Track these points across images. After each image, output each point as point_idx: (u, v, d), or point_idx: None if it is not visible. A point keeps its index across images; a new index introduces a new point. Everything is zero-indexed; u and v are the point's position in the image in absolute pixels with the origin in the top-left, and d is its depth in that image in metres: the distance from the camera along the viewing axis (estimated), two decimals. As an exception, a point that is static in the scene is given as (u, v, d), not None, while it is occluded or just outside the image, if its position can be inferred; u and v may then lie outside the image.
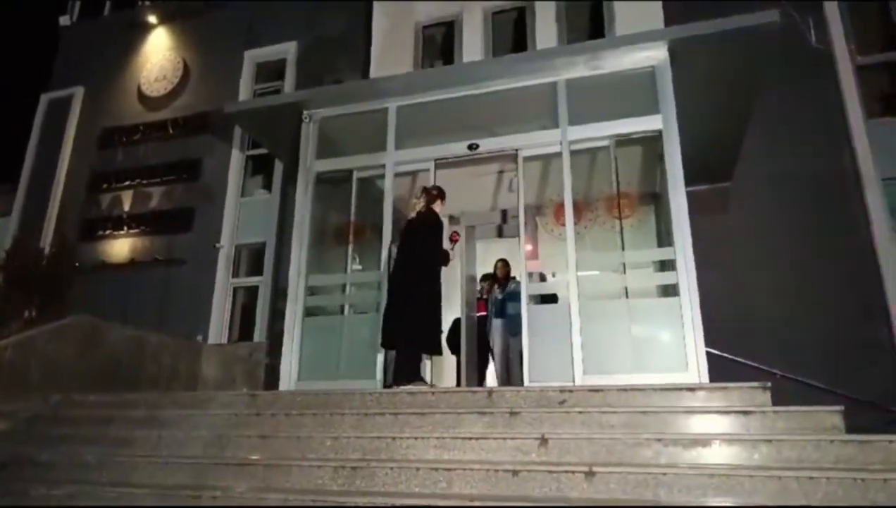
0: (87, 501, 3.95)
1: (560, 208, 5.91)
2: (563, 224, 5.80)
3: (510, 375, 6.89)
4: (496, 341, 7.18)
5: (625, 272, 5.86)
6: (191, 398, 6.14)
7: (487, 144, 6.26)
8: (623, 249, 5.91)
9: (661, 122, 5.68)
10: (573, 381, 5.17)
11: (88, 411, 5.75)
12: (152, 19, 11.97)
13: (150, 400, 5.81)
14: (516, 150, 6.14)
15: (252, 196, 10.36)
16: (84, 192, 11.07)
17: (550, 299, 5.98)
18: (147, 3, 12.36)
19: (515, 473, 3.49)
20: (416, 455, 3.94)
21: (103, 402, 5.89)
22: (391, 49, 9.28)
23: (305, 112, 6.91)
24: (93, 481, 4.29)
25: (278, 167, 9.91)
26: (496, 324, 7.22)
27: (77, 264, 9.61)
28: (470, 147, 6.29)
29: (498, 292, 7.31)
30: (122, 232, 10.56)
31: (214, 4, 11.64)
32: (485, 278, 7.94)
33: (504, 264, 7.38)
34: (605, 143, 6.01)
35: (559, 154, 5.95)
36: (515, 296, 6.32)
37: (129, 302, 9.49)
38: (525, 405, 4.45)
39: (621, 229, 6.02)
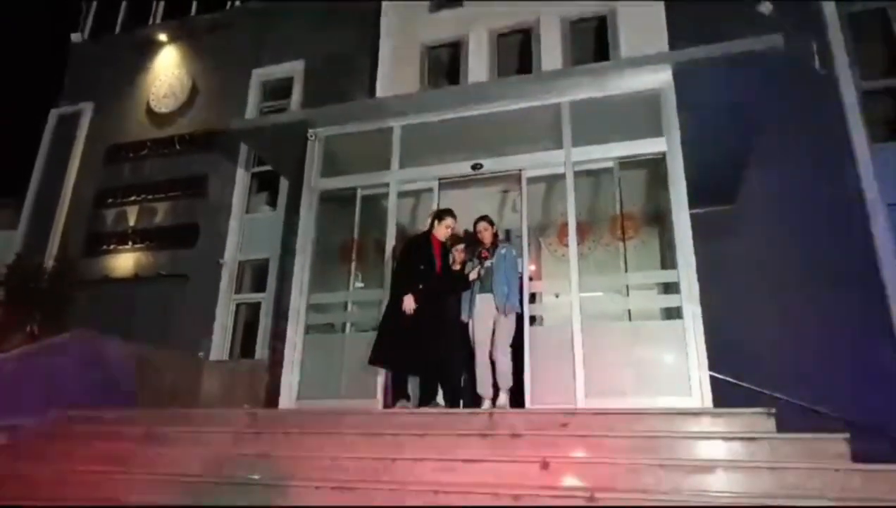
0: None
1: (564, 228, 5.91)
2: (567, 245, 5.79)
3: (495, 373, 5.31)
4: (478, 324, 5.46)
5: (628, 294, 5.83)
6: (191, 416, 6.10)
7: (491, 165, 6.28)
8: (626, 270, 5.89)
9: (665, 144, 5.69)
10: (575, 403, 5.12)
11: (87, 426, 5.72)
12: (162, 37, 12.12)
13: (150, 417, 5.77)
14: (520, 170, 6.16)
15: (256, 213, 10.39)
16: (90, 206, 11.13)
17: (531, 321, 5.90)
18: (157, 21, 12.53)
19: (516, 497, 3.45)
20: (416, 476, 3.90)
21: (102, 418, 5.86)
22: (397, 69, 9.38)
23: (311, 130, 6.95)
24: (91, 498, 4.25)
25: (283, 184, 9.96)
26: (481, 300, 5.50)
27: (80, 279, 9.63)
28: (474, 167, 6.31)
29: (482, 261, 5.57)
30: (126, 247, 10.59)
31: (223, 24, 11.80)
32: (459, 241, 6.01)
33: (489, 223, 5.74)
34: (609, 164, 6.03)
35: (563, 175, 5.96)
36: (508, 264, 5.48)
37: (132, 317, 9.50)
38: (527, 428, 4.41)
39: (625, 250, 6.01)
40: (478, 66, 9.04)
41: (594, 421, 4.45)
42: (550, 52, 8.71)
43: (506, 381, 5.28)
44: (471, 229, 5.98)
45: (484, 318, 5.46)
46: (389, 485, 3.74)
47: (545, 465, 3.75)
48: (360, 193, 6.79)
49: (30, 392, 6.19)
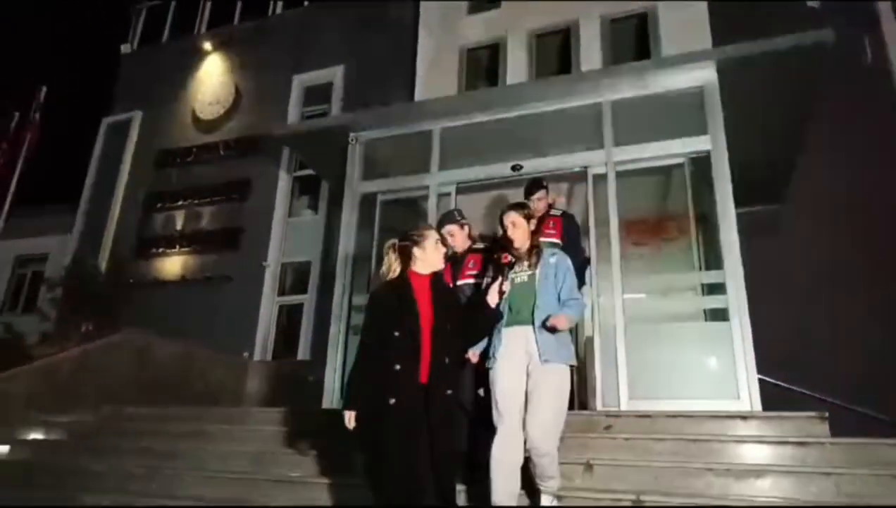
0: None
1: (630, 227, 5.80)
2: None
3: (530, 464, 3.27)
4: (503, 376, 3.36)
5: (672, 296, 5.72)
6: (235, 414, 6.25)
7: (531, 166, 6.24)
8: (671, 271, 5.78)
9: (709, 142, 5.56)
10: (618, 406, 5.05)
11: (138, 423, 5.91)
12: (207, 46, 12.46)
13: (197, 415, 5.93)
14: (585, 168, 6.01)
15: (299, 216, 10.59)
16: (140, 211, 11.51)
17: None
18: (202, 30, 12.89)
19: (559, 498, 3.43)
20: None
21: (152, 415, 6.05)
22: (436, 71, 9.43)
23: (352, 134, 7.03)
24: (141, 492, 4.41)
25: (324, 188, 10.11)
26: (510, 338, 3.44)
27: (131, 281, 9.97)
28: (514, 168, 6.29)
29: (503, 269, 3.50)
30: (174, 250, 10.91)
31: (265, 31, 12.07)
32: (481, 251, 4.18)
33: (522, 214, 3.65)
34: (653, 163, 5.93)
35: (622, 173, 5.86)
36: (562, 278, 3.49)
37: (179, 318, 9.77)
38: (569, 430, 4.36)
39: (669, 251, 5.91)
40: (517, 67, 9.02)
41: (639, 423, 4.38)
42: (590, 52, 8.64)
43: (549, 474, 3.28)
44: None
45: (513, 367, 3.35)
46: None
47: (589, 467, 3.72)
48: (380, 198, 6.86)
49: (86, 389, 6.43)
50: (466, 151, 6.69)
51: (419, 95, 9.27)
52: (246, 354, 9.41)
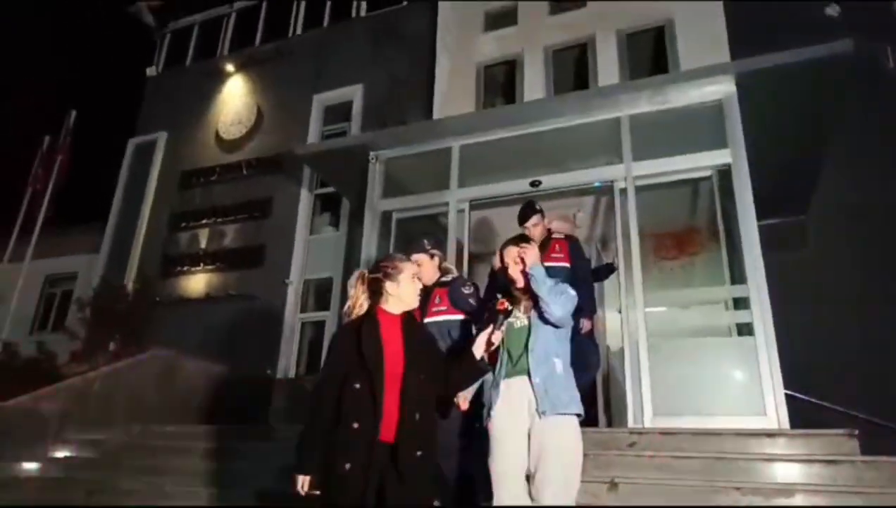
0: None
1: (660, 240, 5.81)
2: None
3: None
4: (502, 435, 2.97)
5: (698, 310, 5.69)
6: (260, 432, 6.32)
7: (550, 181, 6.27)
8: (698, 285, 5.75)
9: (729, 155, 5.55)
10: (642, 423, 5.01)
11: (166, 441, 6.01)
12: (229, 67, 12.71)
13: (223, 433, 6.01)
14: (612, 182, 5.99)
15: (320, 233, 10.69)
16: (165, 230, 11.72)
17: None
18: (225, 52, 13.17)
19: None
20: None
21: (180, 433, 6.15)
22: (454, 89, 9.51)
23: (372, 153, 7.13)
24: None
25: (345, 205, 10.22)
26: (508, 389, 3.02)
27: (157, 299, 10.14)
28: (532, 184, 6.32)
29: (499, 315, 2.98)
30: (198, 268, 11.07)
31: (285, 51, 12.28)
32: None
33: (522, 242, 3.23)
34: (673, 177, 5.93)
35: (651, 186, 5.88)
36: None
37: (204, 335, 9.90)
38: (592, 447, 4.35)
39: (697, 264, 5.88)
40: (533, 83, 9.06)
41: (664, 441, 4.35)
42: (607, 67, 8.65)
43: None
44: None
45: (513, 426, 2.96)
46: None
47: (614, 485, 3.70)
48: (395, 216, 6.95)
49: (115, 408, 6.56)
50: (485, 168, 6.75)
51: (437, 112, 9.35)
52: (269, 371, 9.50)
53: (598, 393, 5.85)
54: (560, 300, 2.94)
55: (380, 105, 10.56)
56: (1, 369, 6.49)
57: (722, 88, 5.76)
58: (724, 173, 5.67)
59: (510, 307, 3.00)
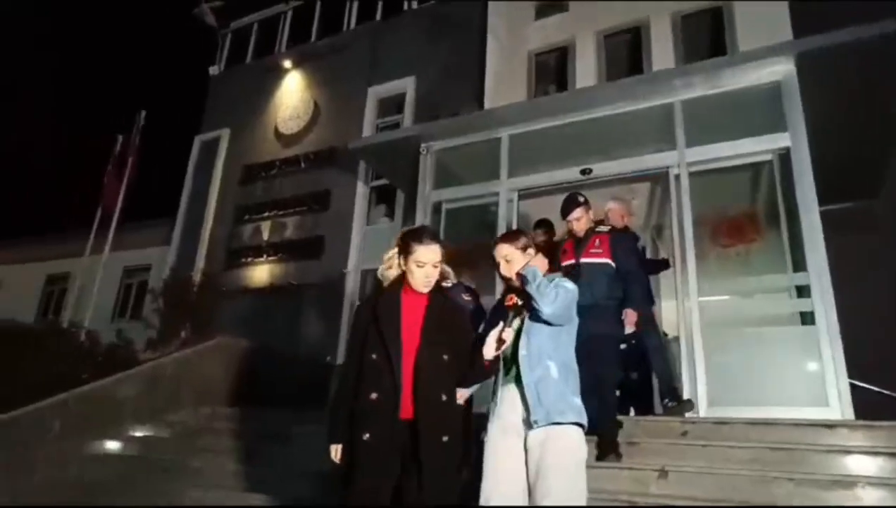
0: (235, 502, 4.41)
1: (719, 227, 5.73)
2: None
3: None
4: (497, 450, 2.68)
5: (758, 298, 5.56)
6: (319, 416, 6.57)
7: (601, 169, 6.22)
8: (758, 273, 5.61)
9: (789, 139, 5.37)
10: (696, 412, 4.96)
11: (231, 424, 6.35)
12: (287, 64, 13.08)
13: (284, 417, 6.29)
14: (667, 168, 5.91)
15: (376, 224, 10.92)
16: (230, 223, 12.24)
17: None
18: (282, 49, 13.55)
19: (633, 504, 3.45)
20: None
21: (243, 416, 6.48)
22: (505, 78, 9.50)
23: (423, 144, 7.25)
24: (236, 488, 4.76)
25: (400, 195, 10.40)
26: (506, 398, 2.77)
27: (223, 289, 10.63)
28: (583, 172, 6.29)
29: (510, 313, 2.81)
30: (261, 259, 11.52)
31: (340, 46, 12.54)
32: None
33: (522, 247, 2.93)
34: (729, 163, 5.78)
35: (709, 171, 5.78)
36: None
37: (267, 323, 10.32)
38: (643, 436, 4.35)
39: (757, 251, 5.73)
40: (585, 69, 8.95)
41: (717, 430, 4.30)
42: (661, 51, 8.44)
43: None
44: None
45: (508, 439, 2.68)
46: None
47: (664, 473, 3.70)
48: (445, 207, 7.07)
49: (186, 391, 6.97)
50: (535, 157, 6.76)
51: (488, 101, 9.37)
52: (329, 357, 9.82)
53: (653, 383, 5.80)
54: (550, 296, 2.65)
55: (432, 96, 10.66)
56: (85, 355, 6.98)
57: (781, 69, 5.57)
58: (784, 157, 5.49)
59: (520, 302, 2.73)
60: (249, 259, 11.58)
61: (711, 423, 4.44)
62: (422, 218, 7.02)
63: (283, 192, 11.82)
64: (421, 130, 7.49)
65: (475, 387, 2.87)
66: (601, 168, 6.22)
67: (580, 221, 4.61)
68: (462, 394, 2.80)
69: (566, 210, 4.64)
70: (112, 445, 6.06)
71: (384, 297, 2.80)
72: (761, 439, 4.10)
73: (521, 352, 2.70)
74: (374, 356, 2.67)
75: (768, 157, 5.69)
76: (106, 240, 10.98)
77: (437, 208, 7.12)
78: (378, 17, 12.45)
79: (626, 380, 7.66)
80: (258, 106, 13.01)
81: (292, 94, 12.77)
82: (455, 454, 2.63)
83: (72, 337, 7.17)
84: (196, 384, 7.18)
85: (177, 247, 12.52)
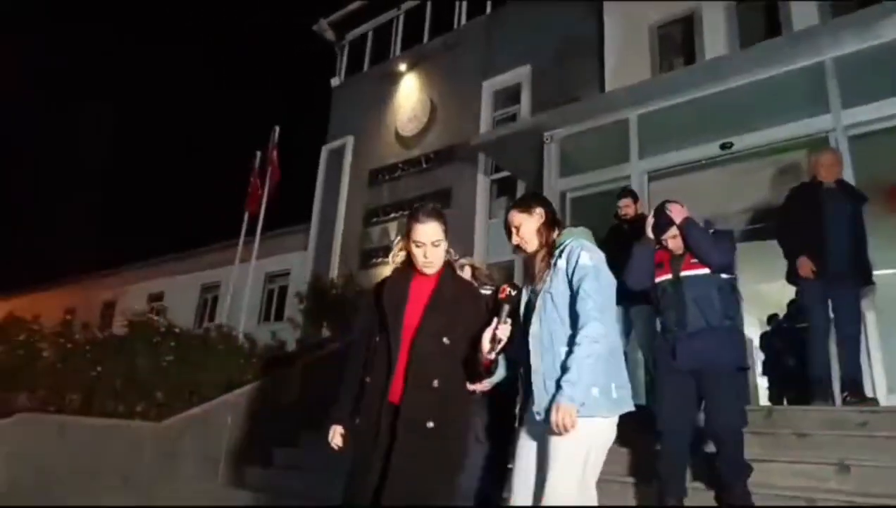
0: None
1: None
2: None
3: None
4: (519, 446, 2.53)
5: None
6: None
7: (741, 142, 5.82)
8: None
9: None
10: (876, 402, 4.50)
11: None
12: (402, 67, 13.45)
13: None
14: (826, 132, 5.40)
15: (499, 218, 10.95)
16: (360, 225, 12.83)
17: None
18: (397, 54, 13.95)
19: (811, 502, 3.21)
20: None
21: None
22: (626, 56, 9.12)
23: (546, 133, 7.16)
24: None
25: (520, 188, 10.36)
26: (524, 386, 2.54)
27: (358, 290, 11.16)
28: (723, 146, 5.92)
29: (502, 305, 2.43)
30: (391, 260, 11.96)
31: (452, 44, 12.69)
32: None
33: (530, 211, 2.66)
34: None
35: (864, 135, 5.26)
36: (558, 291, 2.47)
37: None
38: (813, 427, 4.02)
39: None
40: (715, 37, 8.34)
41: (900, 421, 3.89)
42: (803, 7, 7.66)
43: None
44: (724, 210, 5.51)
45: (526, 436, 2.50)
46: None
47: (844, 468, 3.41)
48: (569, 195, 6.90)
49: (334, 389, 7.37)
50: (666, 136, 6.45)
51: (610, 82, 9.04)
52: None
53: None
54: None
55: (548, 83, 10.49)
56: (245, 355, 7.60)
57: (957, 10, 4.90)
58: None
59: (513, 293, 2.44)
60: (380, 259, 12.06)
61: (894, 413, 4.02)
62: (550, 208, 6.94)
63: (408, 192, 12.17)
64: (543, 118, 7.40)
65: (493, 379, 2.53)
66: (743, 141, 5.81)
67: (628, 208, 4.95)
68: (478, 386, 2.54)
69: (661, 225, 3.75)
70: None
71: (391, 279, 2.69)
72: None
73: (532, 333, 2.43)
74: (377, 340, 2.58)
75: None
76: (250, 249, 11.90)
77: (562, 198, 7.01)
78: (488, 10, 12.46)
79: (781, 365, 7.15)
80: (378, 111, 13.49)
81: (409, 96, 13.11)
82: (443, 446, 2.39)
83: (233, 340, 7.84)
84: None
85: (313, 252, 13.32)
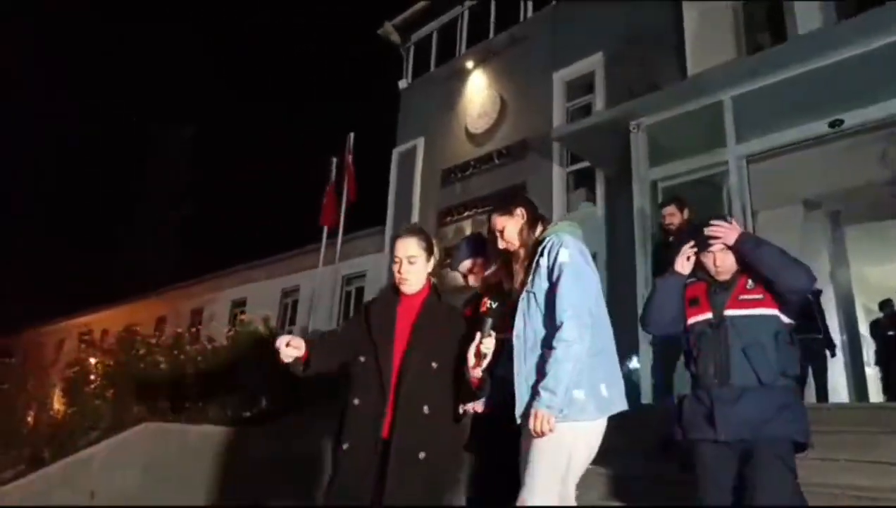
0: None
1: None
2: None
3: None
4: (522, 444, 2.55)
5: None
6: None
7: (857, 117, 5.45)
8: None
9: None
10: None
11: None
12: (469, 65, 13.39)
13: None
14: None
15: (576, 210, 10.74)
16: (435, 225, 12.87)
17: None
18: (463, 51, 13.91)
19: (875, 503, 2.97)
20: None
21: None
22: (707, 37, 8.73)
23: (632, 122, 6.95)
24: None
25: (599, 179, 10.10)
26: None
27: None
28: (832, 125, 5.56)
29: (485, 320, 2.43)
30: (467, 257, 11.93)
31: (519, 37, 12.53)
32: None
33: (513, 214, 2.75)
34: None
35: None
36: (539, 290, 2.54)
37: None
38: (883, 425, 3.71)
39: None
40: (808, 8, 7.85)
41: None
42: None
43: None
44: (828, 188, 5.17)
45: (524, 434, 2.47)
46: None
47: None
48: (660, 185, 6.65)
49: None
50: (764, 117, 6.13)
51: (692, 66, 8.65)
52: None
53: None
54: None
55: (624, 70, 10.17)
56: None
57: None
58: None
59: (494, 306, 2.42)
60: (455, 258, 12.06)
61: None
62: (640, 200, 6.74)
63: (481, 190, 12.11)
64: (629, 106, 7.18)
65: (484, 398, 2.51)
66: (854, 117, 5.44)
67: (674, 216, 4.46)
68: (470, 406, 2.54)
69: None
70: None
71: (379, 298, 2.67)
72: None
73: (515, 337, 2.41)
74: (362, 359, 2.49)
75: None
76: (328, 253, 12.16)
77: (653, 187, 6.79)
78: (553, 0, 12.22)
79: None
80: (447, 110, 13.49)
81: (478, 93, 13.04)
82: (434, 474, 2.35)
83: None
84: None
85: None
